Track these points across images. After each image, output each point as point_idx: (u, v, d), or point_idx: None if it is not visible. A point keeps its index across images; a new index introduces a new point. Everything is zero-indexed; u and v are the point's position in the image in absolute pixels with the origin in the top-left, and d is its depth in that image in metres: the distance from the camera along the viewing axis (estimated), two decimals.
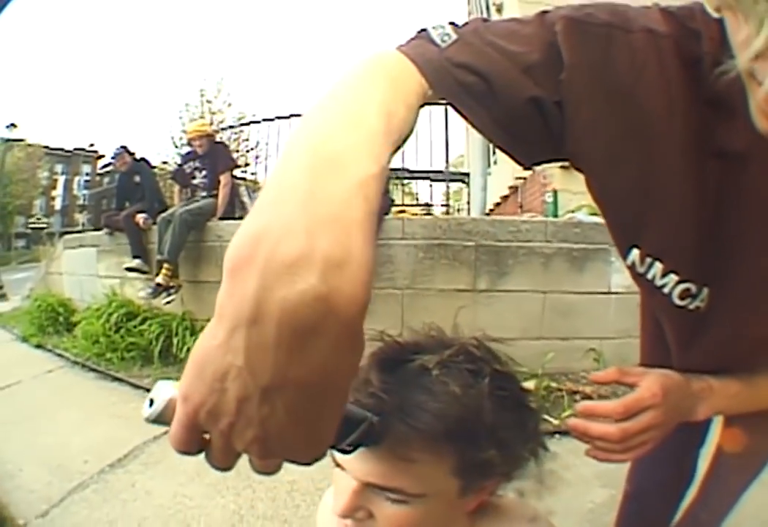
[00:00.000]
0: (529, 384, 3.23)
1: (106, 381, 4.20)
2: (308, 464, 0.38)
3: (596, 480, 2.42)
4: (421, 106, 0.51)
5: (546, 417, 2.99)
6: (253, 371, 0.31)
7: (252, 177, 7.92)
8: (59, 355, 4.95)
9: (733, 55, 0.45)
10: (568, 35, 0.56)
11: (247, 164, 10.15)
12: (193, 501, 2.36)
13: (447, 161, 6.99)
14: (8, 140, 13.32)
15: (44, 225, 31.63)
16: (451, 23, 0.58)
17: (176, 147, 15.32)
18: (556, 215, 4.33)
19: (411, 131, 0.48)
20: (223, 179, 4.61)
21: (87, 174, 36.47)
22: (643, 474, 1.39)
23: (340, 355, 0.32)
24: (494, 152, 6.79)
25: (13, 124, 13.32)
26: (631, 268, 0.70)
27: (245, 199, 5.15)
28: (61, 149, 35.55)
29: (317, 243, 0.30)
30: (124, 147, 5.24)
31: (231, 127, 13.31)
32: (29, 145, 31.12)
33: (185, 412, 0.35)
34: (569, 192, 4.82)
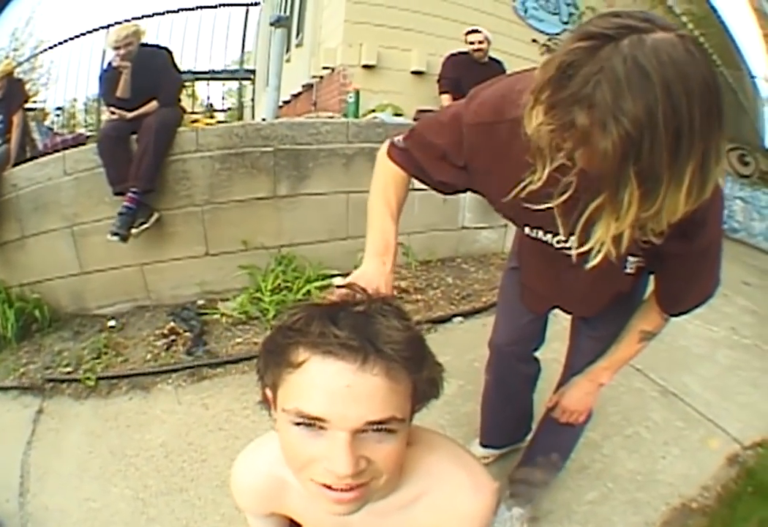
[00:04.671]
0: None
1: None
2: None
3: None
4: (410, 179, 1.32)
5: None
6: None
7: (41, 106, 7.03)
8: None
9: None
10: (470, 134, 1.17)
11: (36, 93, 8.95)
12: (97, 503, 2.33)
13: (242, 60, 6.88)
14: None
15: None
16: (405, 137, 1.30)
17: None
18: (356, 116, 4.53)
19: (406, 195, 1.34)
20: (15, 119, 4.10)
21: None
22: (499, 366, 1.95)
23: None
24: (288, 49, 6.76)
25: None
26: (527, 235, 1.32)
27: (35, 135, 4.67)
28: None
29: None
30: None
31: (28, 59, 11.58)
32: None
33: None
34: (370, 91, 4.95)
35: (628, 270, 1.23)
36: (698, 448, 2.45)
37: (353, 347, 0.69)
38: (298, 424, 0.71)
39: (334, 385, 0.69)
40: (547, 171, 0.90)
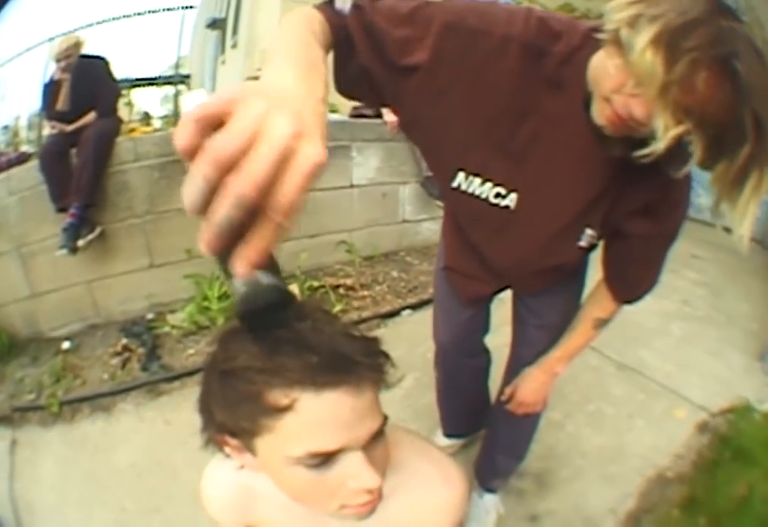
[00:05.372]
0: (293, 288, 3.45)
1: None
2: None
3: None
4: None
5: None
6: None
7: None
8: None
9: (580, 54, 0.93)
10: (441, 37, 0.93)
11: None
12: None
13: (177, 66, 6.82)
14: None
15: None
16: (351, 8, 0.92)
17: None
18: None
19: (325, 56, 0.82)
20: None
21: None
22: (446, 364, 1.92)
23: None
24: (223, 51, 6.70)
25: None
26: (456, 188, 1.14)
27: None
28: None
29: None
30: None
31: None
32: None
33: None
34: None
35: (582, 243, 1.18)
36: (664, 418, 2.51)
37: (341, 370, 0.64)
38: (308, 464, 0.66)
39: (339, 415, 0.65)
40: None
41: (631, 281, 1.30)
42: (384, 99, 1.04)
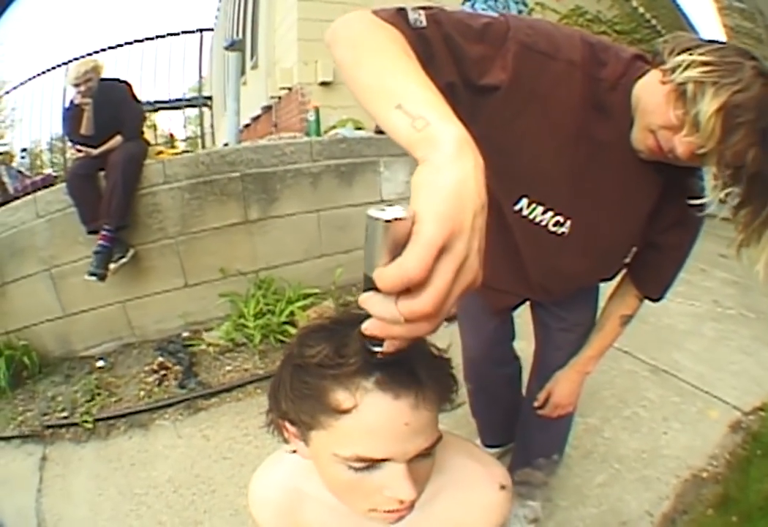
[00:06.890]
0: (328, 304, 3.53)
1: None
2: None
3: None
4: None
5: None
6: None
7: (5, 148, 6.91)
8: None
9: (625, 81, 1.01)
10: (518, 58, 0.92)
11: (2, 136, 8.88)
12: None
13: (200, 87, 6.97)
14: None
15: None
16: (423, 7, 0.85)
17: None
18: (318, 133, 4.58)
19: None
20: None
21: None
22: (478, 376, 1.89)
23: None
24: (243, 72, 6.79)
25: None
26: (518, 212, 1.17)
27: (5, 179, 4.65)
28: None
29: None
30: None
31: None
32: None
33: (440, 232, 0.42)
34: (329, 107, 5.01)
35: (627, 260, 1.29)
36: (698, 420, 2.51)
37: (406, 383, 0.65)
38: (352, 466, 0.68)
39: (394, 427, 0.65)
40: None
41: (662, 281, 1.37)
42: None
